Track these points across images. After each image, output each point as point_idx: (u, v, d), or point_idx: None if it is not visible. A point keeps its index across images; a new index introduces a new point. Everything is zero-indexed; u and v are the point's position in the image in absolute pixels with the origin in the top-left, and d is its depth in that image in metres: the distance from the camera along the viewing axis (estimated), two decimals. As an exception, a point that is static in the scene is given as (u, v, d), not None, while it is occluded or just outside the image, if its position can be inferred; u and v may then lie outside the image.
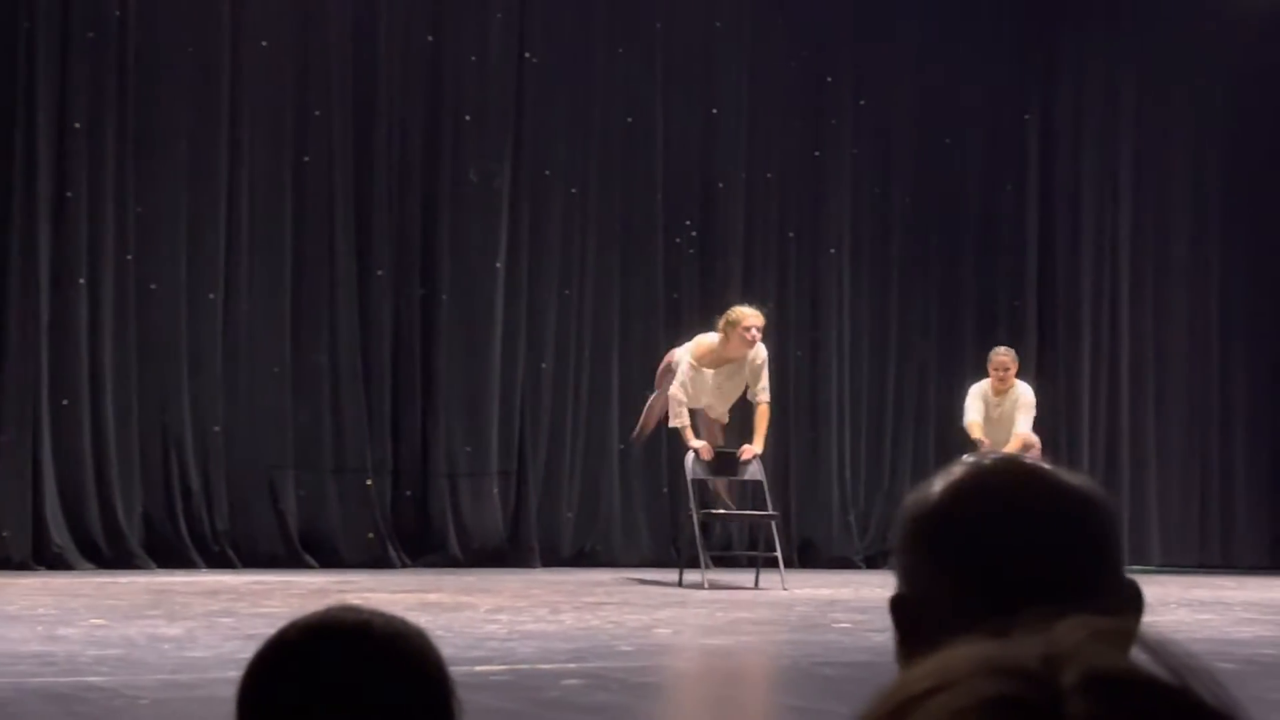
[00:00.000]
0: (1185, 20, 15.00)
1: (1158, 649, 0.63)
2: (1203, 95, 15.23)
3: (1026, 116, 14.74)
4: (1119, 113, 15.05)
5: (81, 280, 11.25)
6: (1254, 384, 15.38)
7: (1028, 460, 1.23)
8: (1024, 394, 11.66)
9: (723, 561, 12.14)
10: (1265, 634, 7.74)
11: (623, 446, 12.88)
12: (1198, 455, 15.20)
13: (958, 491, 1.20)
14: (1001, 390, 11.68)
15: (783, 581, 10.39)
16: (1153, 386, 15.06)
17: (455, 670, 1.39)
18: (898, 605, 1.20)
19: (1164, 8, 14.93)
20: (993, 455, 1.24)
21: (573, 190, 13.01)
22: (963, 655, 0.63)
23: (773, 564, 10.63)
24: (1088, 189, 14.93)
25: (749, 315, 10.63)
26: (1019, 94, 14.70)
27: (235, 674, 1.38)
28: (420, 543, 12.31)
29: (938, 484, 1.21)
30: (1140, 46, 15.04)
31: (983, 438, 11.42)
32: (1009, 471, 1.21)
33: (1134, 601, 1.20)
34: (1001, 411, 11.64)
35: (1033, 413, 11.62)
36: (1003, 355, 11.81)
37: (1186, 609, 9.22)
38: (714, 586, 10.26)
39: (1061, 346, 14.76)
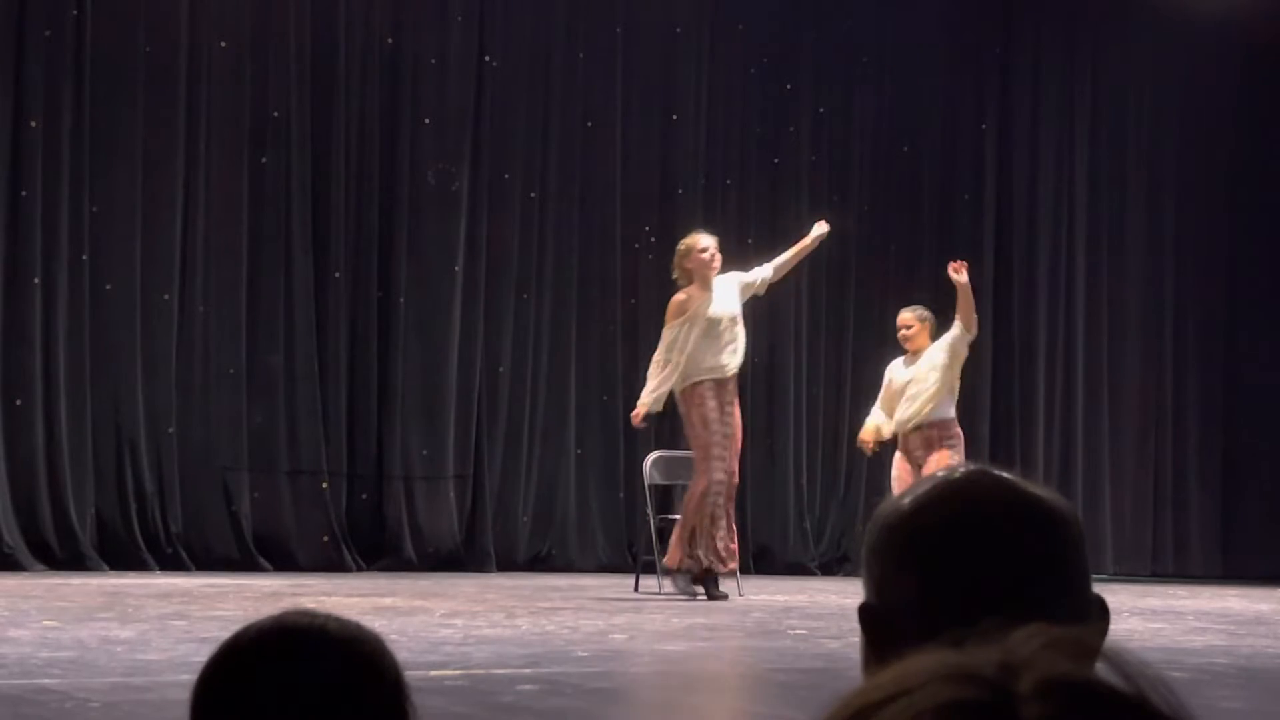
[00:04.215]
0: (1140, 30, 15.10)
1: (1113, 657, 0.63)
2: (1158, 105, 15.34)
3: (984, 126, 14.81)
4: (1075, 122, 15.14)
5: (36, 280, 11.18)
6: (1207, 396, 15.49)
7: (997, 473, 1.23)
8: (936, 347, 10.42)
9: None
10: (1217, 643, 7.79)
11: (579, 451, 12.91)
12: (1151, 466, 15.29)
13: (927, 502, 1.20)
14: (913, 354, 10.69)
15: (739, 588, 10.39)
16: (1107, 397, 15.14)
17: (410, 675, 1.39)
18: (867, 614, 1.21)
19: (1118, 18, 15.03)
20: (963, 468, 1.25)
21: (531, 194, 12.99)
22: (920, 662, 0.63)
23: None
24: (1043, 199, 15.01)
25: (699, 237, 9.91)
26: (976, 103, 14.78)
27: (188, 677, 1.38)
28: (375, 546, 12.28)
29: (909, 494, 1.22)
30: (1095, 57, 15.14)
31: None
32: (978, 483, 1.22)
33: (1099, 615, 1.21)
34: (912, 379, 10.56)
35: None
36: (904, 315, 10.68)
37: (1139, 618, 9.26)
38: (669, 592, 10.25)
39: (1017, 356, 14.83)
